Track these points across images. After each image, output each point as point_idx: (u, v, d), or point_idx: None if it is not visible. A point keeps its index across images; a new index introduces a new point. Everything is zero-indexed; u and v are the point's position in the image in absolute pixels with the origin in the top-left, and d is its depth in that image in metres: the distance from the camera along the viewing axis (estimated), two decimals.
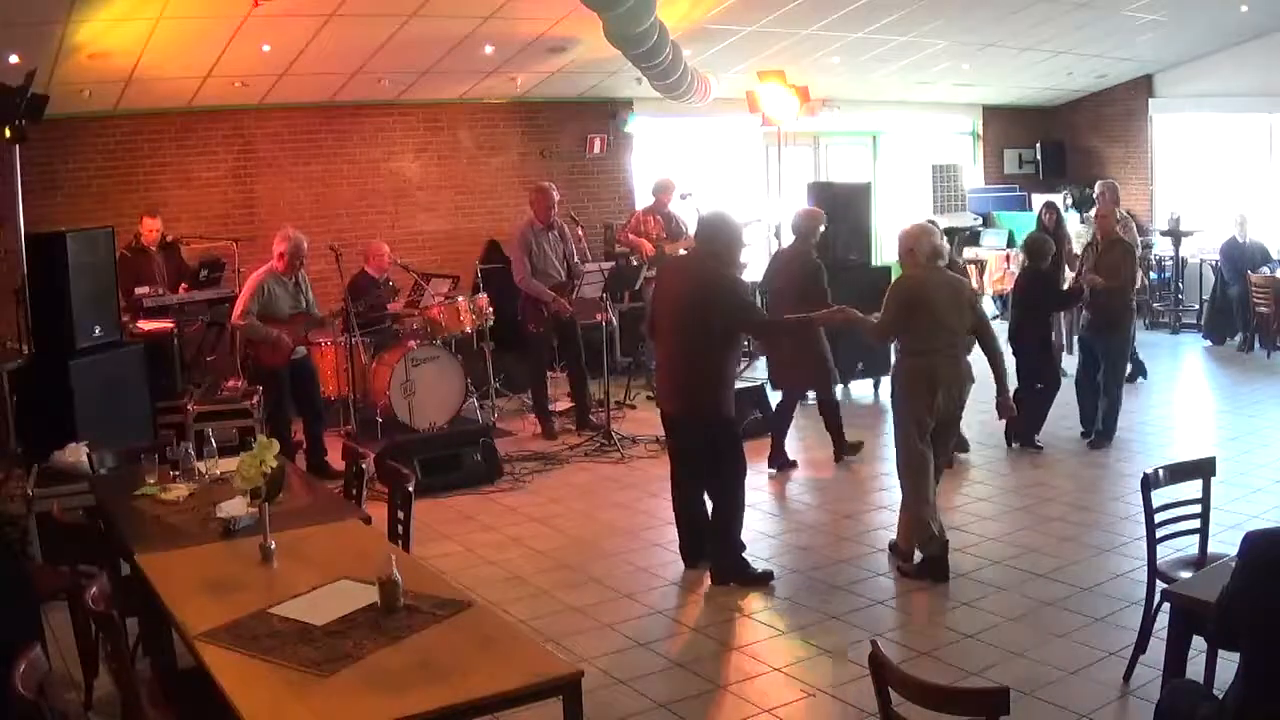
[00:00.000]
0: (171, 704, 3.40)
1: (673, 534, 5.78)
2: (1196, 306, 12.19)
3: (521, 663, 2.92)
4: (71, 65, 7.80)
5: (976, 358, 5.71)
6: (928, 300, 5.37)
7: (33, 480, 5.67)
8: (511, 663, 2.91)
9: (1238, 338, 11.25)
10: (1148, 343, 10.56)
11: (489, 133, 11.04)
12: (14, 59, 7.18)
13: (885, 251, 12.53)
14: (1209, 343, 11.50)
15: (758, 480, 6.92)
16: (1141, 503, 4.19)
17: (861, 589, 5.35)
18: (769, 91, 10.22)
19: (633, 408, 9.17)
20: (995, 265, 12.57)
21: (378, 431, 7.91)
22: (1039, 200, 12.54)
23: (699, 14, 8.99)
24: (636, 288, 9.38)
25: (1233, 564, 3.00)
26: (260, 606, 3.24)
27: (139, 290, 8.31)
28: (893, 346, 5.77)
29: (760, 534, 6.16)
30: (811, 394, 7.94)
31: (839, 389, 9.65)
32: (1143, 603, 4.30)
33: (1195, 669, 3.65)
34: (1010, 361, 7.29)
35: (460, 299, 8.44)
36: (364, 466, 4.95)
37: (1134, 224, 10.66)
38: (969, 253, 12.70)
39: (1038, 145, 14.62)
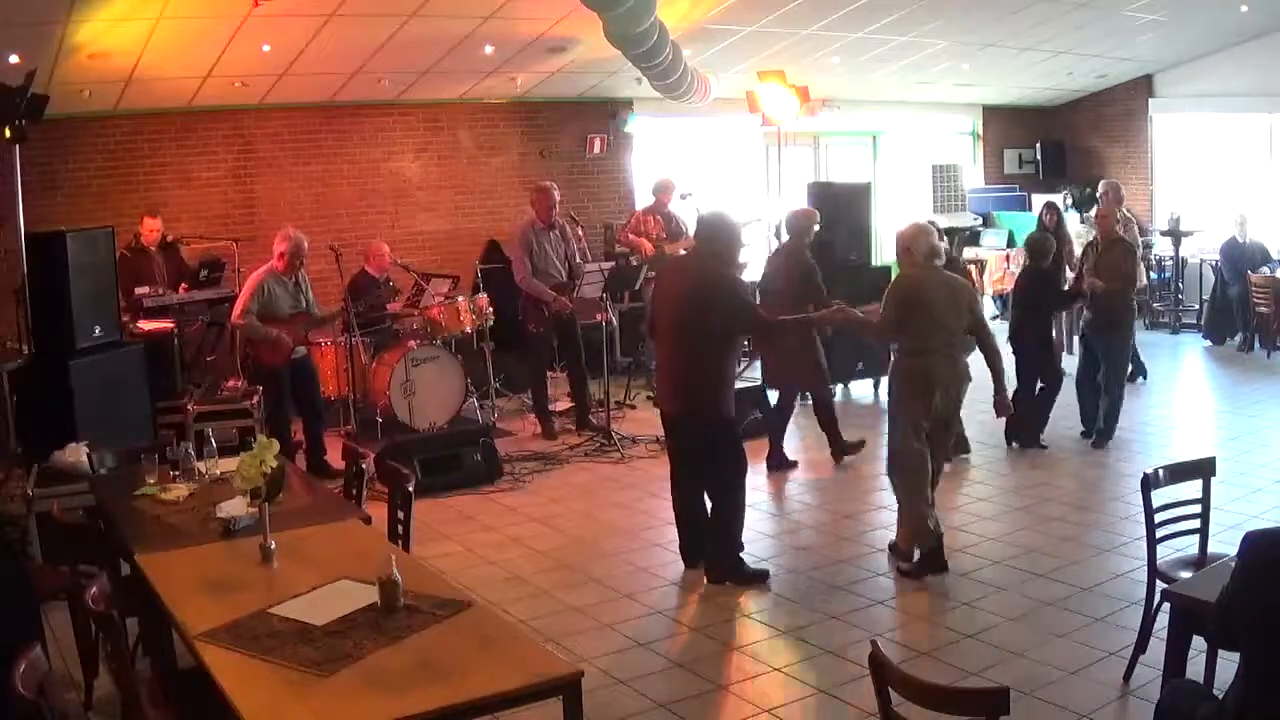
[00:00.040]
0: (171, 704, 3.40)
1: (673, 534, 5.78)
2: (1196, 306, 12.19)
3: (521, 663, 2.92)
4: (71, 65, 7.80)
5: (975, 358, 5.71)
6: (925, 299, 5.38)
7: (33, 480, 5.67)
8: (511, 663, 2.91)
9: (1238, 338, 11.25)
10: (1148, 343, 10.55)
11: (489, 133, 11.04)
12: (14, 59, 7.18)
13: (885, 252, 12.52)
14: (1209, 343, 11.50)
15: (757, 480, 6.92)
16: (1141, 503, 4.19)
17: (861, 589, 5.35)
18: (769, 91, 10.22)
19: (633, 408, 9.17)
20: (995, 265, 12.57)
21: (378, 431, 7.90)
22: (1039, 200, 12.56)
23: (699, 14, 8.99)
24: (636, 288, 9.38)
25: (1233, 564, 3.00)
26: (260, 606, 3.25)
27: (139, 290, 8.31)
28: (892, 346, 5.77)
29: (760, 534, 6.16)
30: (807, 394, 7.95)
31: (838, 389, 9.76)
32: (1143, 603, 4.30)
33: (1195, 669, 3.65)
34: (1011, 361, 7.32)
35: (460, 299, 8.43)
36: (364, 466, 4.95)
37: (1136, 224, 10.65)
38: (969, 253, 12.69)
39: (1038, 145, 14.62)
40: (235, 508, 4.10)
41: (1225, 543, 4.36)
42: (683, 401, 5.45)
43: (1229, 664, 3.07)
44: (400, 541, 4.27)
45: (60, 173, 9.05)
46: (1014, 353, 7.67)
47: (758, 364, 9.27)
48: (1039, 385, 7.69)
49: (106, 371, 6.76)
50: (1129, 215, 10.27)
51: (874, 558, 5.75)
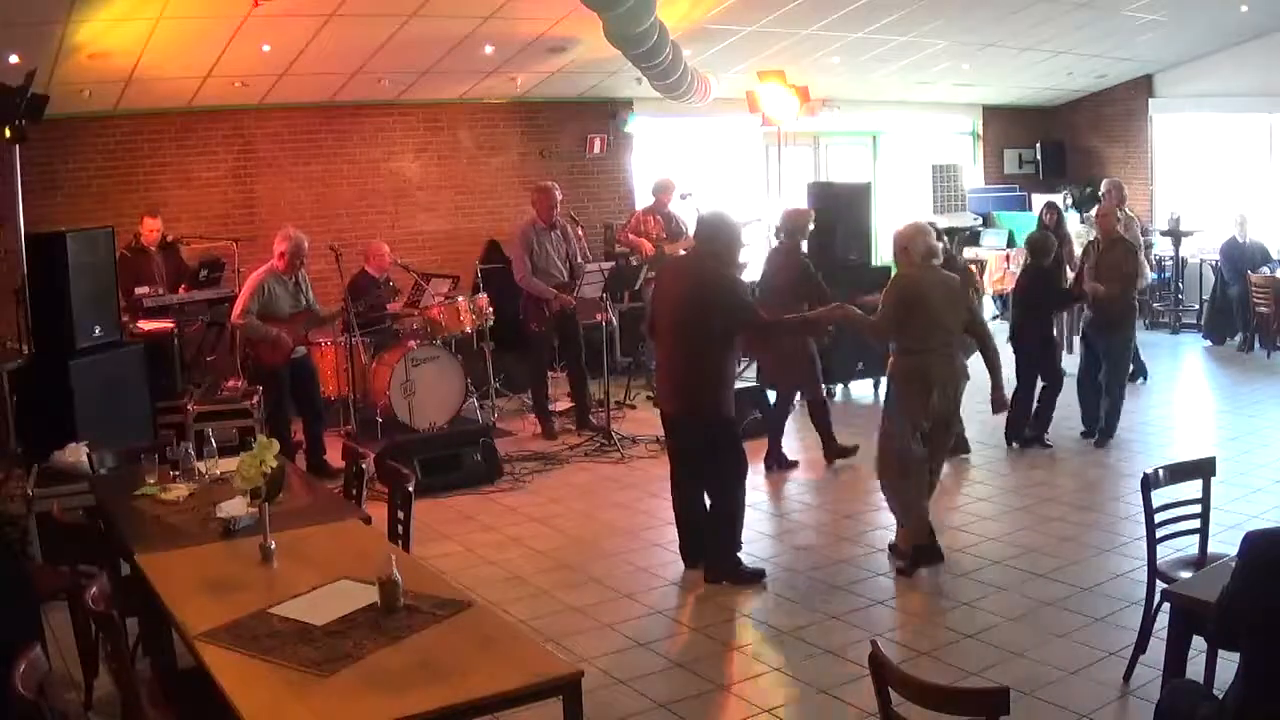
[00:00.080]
0: (171, 704, 3.40)
1: (673, 534, 5.77)
2: (1196, 306, 12.19)
3: (521, 663, 2.92)
4: (71, 65, 7.80)
5: (975, 358, 5.72)
6: (923, 298, 5.39)
7: (33, 480, 5.67)
8: (511, 663, 2.91)
9: (1238, 338, 11.25)
10: (1148, 343, 10.55)
11: (489, 133, 11.04)
12: (14, 59, 7.18)
13: (885, 251, 12.50)
14: (1209, 343, 11.50)
15: (757, 480, 6.92)
16: (1141, 503, 4.19)
17: (861, 589, 5.35)
18: (769, 91, 10.22)
19: (633, 408, 9.17)
20: (995, 265, 12.56)
21: (378, 431, 7.90)
22: (1039, 200, 12.56)
23: (699, 14, 8.99)
24: (636, 288, 9.38)
25: (1233, 564, 3.00)
26: (260, 606, 3.25)
27: (139, 290, 8.31)
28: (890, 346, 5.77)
29: (760, 534, 6.16)
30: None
31: (838, 389, 9.76)
32: (1143, 603, 4.30)
33: (1195, 669, 3.65)
34: (1011, 361, 7.32)
35: (460, 299, 8.43)
36: (364, 466, 4.95)
37: (1138, 224, 10.65)
38: (969, 253, 12.69)
39: (1038, 145, 14.62)
40: (235, 508, 4.09)
41: (1225, 543, 4.36)
42: (683, 401, 5.45)
43: (1229, 664, 3.07)
44: (400, 541, 4.26)
45: (60, 173, 9.05)
46: (1014, 352, 7.67)
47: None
48: (1040, 385, 7.69)
49: (106, 371, 6.76)
50: (1131, 215, 10.26)
51: (874, 558, 5.75)
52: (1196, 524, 4.27)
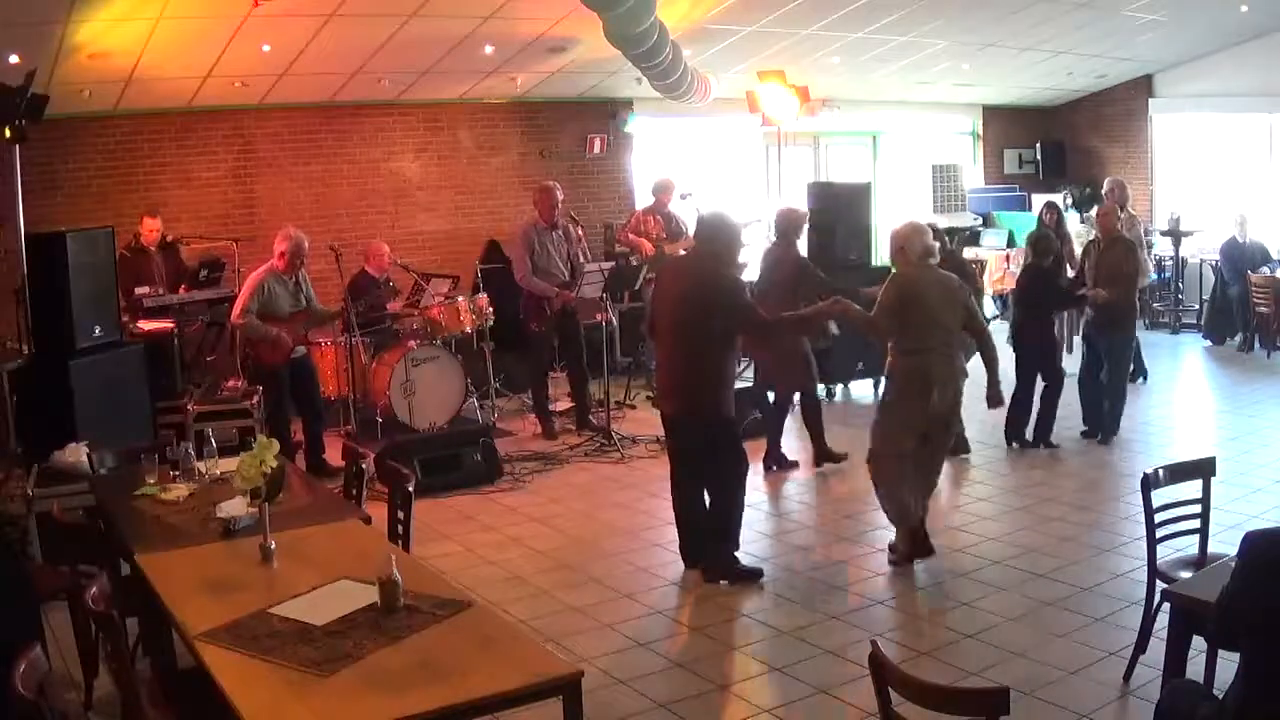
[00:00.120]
0: (171, 704, 3.40)
1: (673, 534, 5.77)
2: (1196, 306, 12.19)
3: (521, 663, 2.92)
4: (71, 65, 7.80)
5: (975, 359, 5.71)
6: (921, 297, 5.39)
7: (33, 480, 5.67)
8: (511, 663, 2.91)
9: (1238, 338, 11.25)
10: (1148, 343, 10.54)
11: (489, 133, 11.04)
12: (14, 59, 7.18)
13: (885, 251, 12.50)
14: (1209, 343, 11.50)
15: (756, 480, 6.91)
16: (1141, 503, 4.19)
17: (861, 589, 5.35)
18: (769, 91, 10.22)
19: (633, 408, 9.17)
20: (995, 265, 12.57)
21: (378, 431, 7.90)
22: (1039, 200, 12.56)
23: (699, 14, 8.99)
24: (636, 288, 9.38)
25: (1233, 564, 3.00)
26: (260, 606, 3.24)
27: (139, 290, 8.31)
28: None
29: (759, 534, 6.16)
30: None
31: (838, 389, 9.76)
32: (1143, 603, 4.30)
33: (1195, 669, 3.65)
34: (1012, 361, 7.32)
35: (460, 299, 8.43)
36: (364, 466, 4.95)
37: (1139, 225, 10.63)
38: (969, 253, 12.69)
39: (1038, 145, 14.62)
40: (235, 508, 4.09)
41: (1225, 543, 4.36)
42: (683, 401, 5.45)
43: (1229, 664, 3.07)
44: (400, 541, 4.26)
45: (60, 173, 9.05)
46: (1015, 352, 7.67)
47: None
48: (1041, 386, 7.69)
49: (106, 371, 6.76)
50: (1134, 215, 10.25)
51: (874, 558, 5.75)
52: (1196, 524, 4.27)
